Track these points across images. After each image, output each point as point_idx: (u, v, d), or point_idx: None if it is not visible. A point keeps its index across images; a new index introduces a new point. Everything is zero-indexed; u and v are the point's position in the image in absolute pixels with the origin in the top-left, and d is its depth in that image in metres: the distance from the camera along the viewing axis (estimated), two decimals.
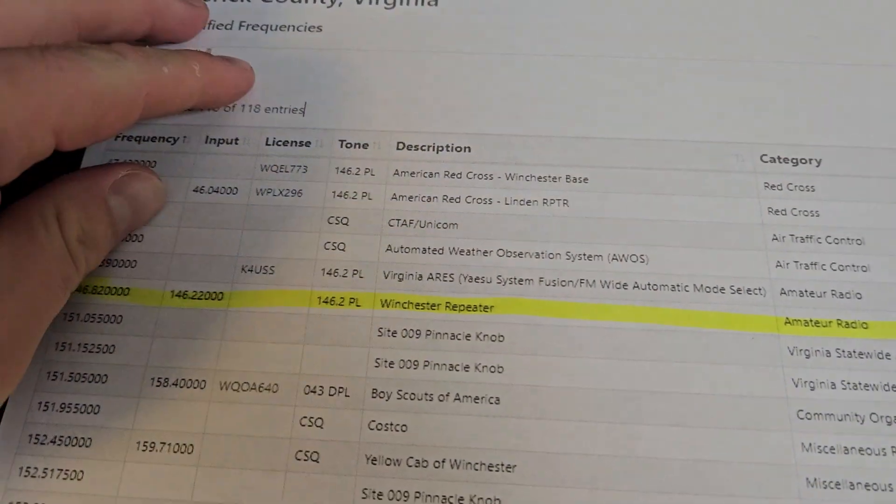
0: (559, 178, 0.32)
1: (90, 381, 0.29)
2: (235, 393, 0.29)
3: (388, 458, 0.28)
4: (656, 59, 0.34)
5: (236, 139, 0.33)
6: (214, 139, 0.33)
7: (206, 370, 0.29)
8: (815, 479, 0.27)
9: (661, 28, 0.35)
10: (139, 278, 0.31)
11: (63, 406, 0.29)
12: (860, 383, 0.28)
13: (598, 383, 0.29)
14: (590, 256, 0.31)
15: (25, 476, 0.28)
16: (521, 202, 0.32)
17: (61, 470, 0.28)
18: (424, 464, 0.27)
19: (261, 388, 0.29)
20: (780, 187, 0.31)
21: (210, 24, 0.36)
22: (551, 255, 0.31)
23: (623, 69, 0.34)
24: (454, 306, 0.30)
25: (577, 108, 0.33)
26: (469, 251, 0.31)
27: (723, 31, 0.35)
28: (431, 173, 0.32)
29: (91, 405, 0.29)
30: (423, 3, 0.36)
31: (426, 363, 0.29)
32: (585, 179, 0.32)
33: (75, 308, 0.30)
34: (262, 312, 0.30)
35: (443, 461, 0.27)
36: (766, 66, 0.34)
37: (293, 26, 0.36)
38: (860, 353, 0.28)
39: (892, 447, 0.27)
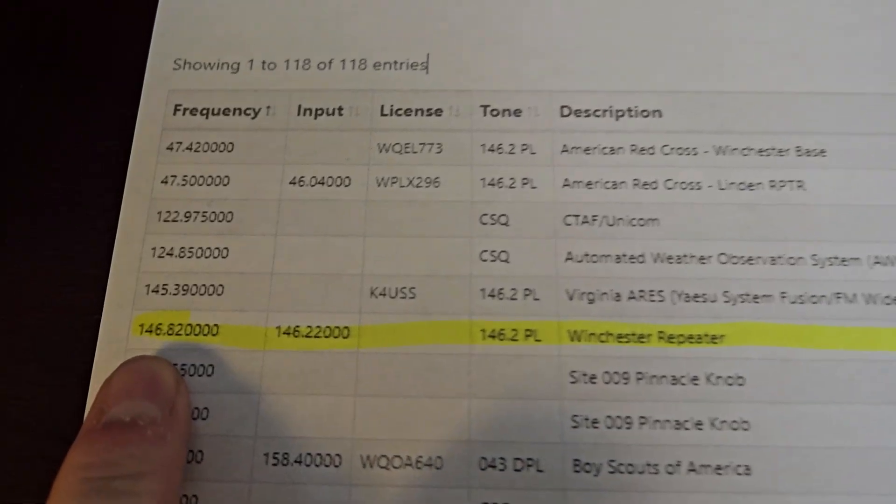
0: (787, 150, 0.23)
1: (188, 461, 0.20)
2: (384, 472, 0.20)
3: None
4: None
5: (340, 108, 0.24)
6: (310, 109, 0.24)
7: (341, 440, 0.21)
8: None
9: None
10: (230, 310, 0.22)
11: None
12: None
13: (882, 440, 0.20)
14: (844, 260, 0.22)
15: None
16: (741, 186, 0.23)
17: None
18: None
19: (419, 464, 0.20)
20: None
21: None
22: (792, 260, 0.22)
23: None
24: (670, 337, 0.21)
25: (802, 55, 0.24)
26: (679, 257, 0.22)
27: None
28: (613, 148, 0.23)
29: (185, 496, 0.20)
30: None
31: (642, 420, 0.21)
32: (822, 152, 0.23)
33: None
34: (406, 354, 0.22)
35: None
36: None
37: None
38: None
39: None
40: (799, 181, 0.23)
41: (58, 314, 0.23)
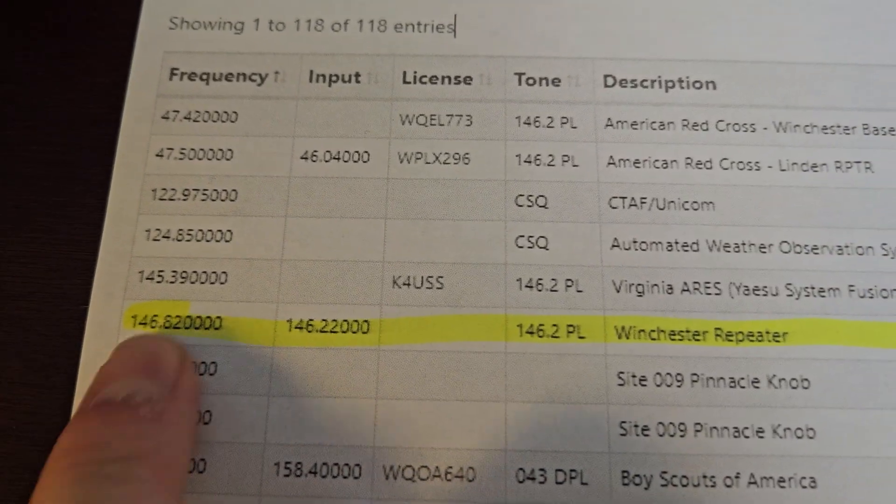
0: (854, 128, 0.21)
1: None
2: (411, 484, 0.18)
3: None
4: None
5: (357, 74, 0.21)
6: (323, 75, 0.22)
7: (360, 449, 0.18)
8: None
9: None
10: (234, 300, 0.19)
11: None
12: None
13: None
14: None
15: None
16: (804, 167, 0.20)
17: None
18: None
19: (449, 476, 0.18)
20: None
21: None
22: (861, 250, 0.20)
23: None
24: (728, 335, 0.19)
25: (872, 23, 0.22)
26: (737, 245, 0.20)
27: None
28: (662, 123, 0.21)
29: None
30: None
31: (698, 427, 0.18)
32: (893, 130, 0.21)
33: None
34: (433, 352, 0.19)
35: None
36: None
37: None
38: None
39: None
40: (867, 162, 0.21)
41: (41, 304, 0.20)
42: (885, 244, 0.21)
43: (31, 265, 0.21)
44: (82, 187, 0.21)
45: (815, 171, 0.21)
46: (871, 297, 0.20)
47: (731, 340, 0.20)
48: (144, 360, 0.18)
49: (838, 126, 0.22)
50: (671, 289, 0.20)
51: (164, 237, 0.21)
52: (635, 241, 0.21)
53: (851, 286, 0.20)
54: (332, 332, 0.20)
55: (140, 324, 0.20)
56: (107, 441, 0.16)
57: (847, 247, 0.21)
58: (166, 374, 0.18)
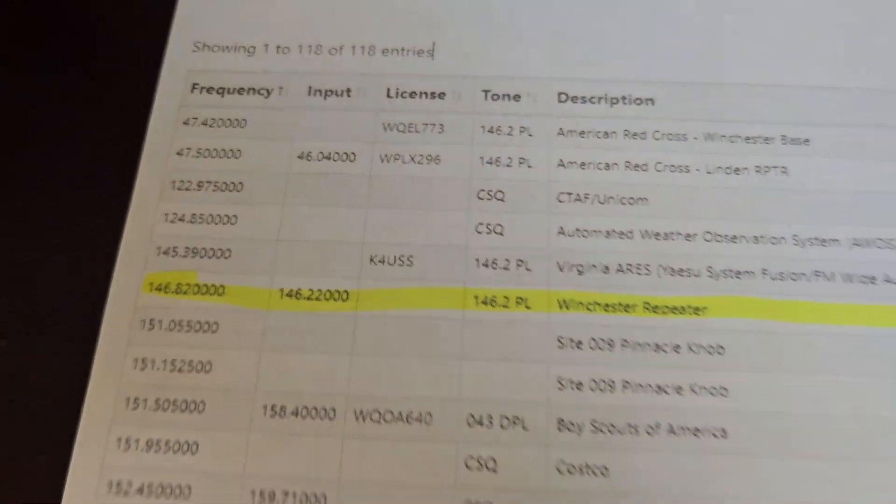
0: (773, 138, 0.24)
1: (182, 411, 0.22)
2: (377, 425, 0.21)
3: None
4: None
5: (348, 90, 0.26)
6: (320, 90, 0.26)
7: (336, 395, 0.22)
8: None
9: None
10: (236, 272, 0.23)
11: (150, 444, 0.21)
12: None
13: (855, 408, 0.21)
14: (824, 241, 0.23)
15: None
16: (727, 170, 0.24)
17: None
18: None
19: (410, 419, 0.21)
20: None
21: None
22: (774, 240, 0.23)
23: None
24: (655, 308, 0.22)
25: (790, 49, 0.26)
26: (666, 234, 0.23)
27: None
28: (607, 132, 0.25)
29: (187, 442, 0.21)
30: None
31: (625, 384, 0.22)
32: (807, 141, 0.24)
33: (154, 312, 0.23)
34: (401, 317, 0.23)
35: None
36: None
37: None
38: None
39: None
40: (783, 167, 0.25)
41: (69, 274, 0.24)
42: (795, 235, 0.24)
43: (69, 239, 0.25)
44: (113, 178, 0.25)
45: (738, 174, 0.25)
46: (782, 280, 0.24)
47: (657, 312, 0.23)
48: None
49: (759, 137, 0.25)
50: (607, 269, 0.24)
51: (179, 220, 0.25)
52: (578, 230, 0.24)
53: (765, 269, 0.24)
54: (316, 299, 0.24)
55: (156, 289, 0.24)
56: None
57: (762, 237, 0.24)
58: None
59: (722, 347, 0.22)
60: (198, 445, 0.22)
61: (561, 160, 0.25)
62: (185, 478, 0.21)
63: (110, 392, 0.22)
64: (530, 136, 0.25)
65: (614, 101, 0.25)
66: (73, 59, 0.27)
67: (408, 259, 0.24)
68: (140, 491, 0.21)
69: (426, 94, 0.26)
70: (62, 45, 0.27)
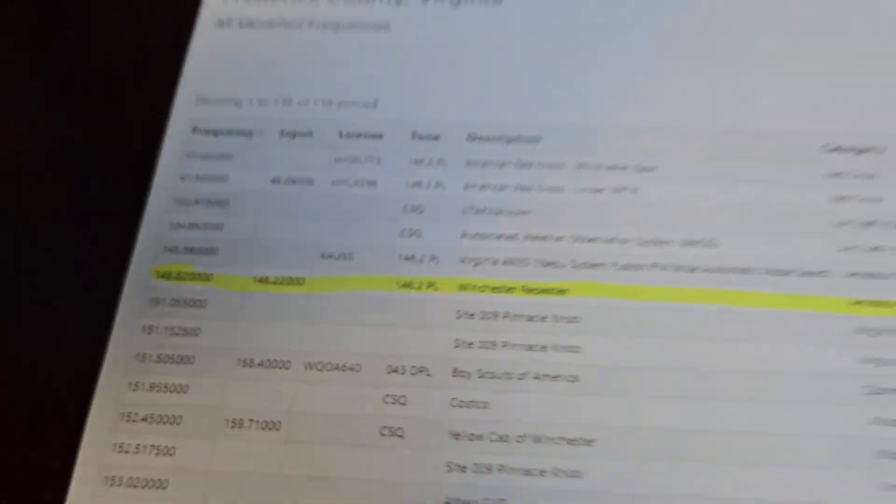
0: (628, 166, 0.33)
1: (178, 363, 0.30)
2: (320, 373, 0.29)
3: (471, 434, 0.28)
4: (721, 51, 0.35)
5: (311, 132, 0.34)
6: (289, 132, 0.34)
7: (291, 351, 0.30)
8: (884, 451, 0.27)
9: (726, 22, 0.36)
10: (222, 265, 0.32)
11: (152, 386, 0.29)
12: None
13: (674, 362, 0.29)
14: (660, 242, 0.31)
15: (119, 452, 0.28)
16: (591, 190, 0.32)
17: (154, 446, 0.28)
18: (506, 439, 0.28)
19: (344, 369, 0.29)
20: (843, 175, 0.32)
21: (281, 23, 0.37)
22: (622, 241, 0.31)
23: (690, 61, 0.35)
24: (530, 290, 0.31)
25: (645, 100, 0.34)
26: (542, 237, 0.31)
27: (785, 25, 0.36)
28: (503, 163, 0.33)
29: (180, 384, 0.29)
30: (487, 0, 0.37)
31: (504, 344, 0.30)
32: (654, 168, 0.33)
33: (160, 293, 0.31)
34: (342, 297, 0.31)
35: (524, 436, 0.28)
36: (829, 57, 0.35)
37: (361, 24, 0.37)
38: None
39: None
40: (634, 188, 0.33)
41: (100, 265, 0.33)
42: (638, 237, 0.33)
43: (98, 241, 0.34)
44: (130, 195, 0.34)
45: (599, 193, 0.34)
46: (627, 270, 0.32)
47: (531, 293, 0.32)
48: None
49: (616, 165, 0.34)
50: (496, 261, 0.32)
51: (179, 227, 0.33)
52: (477, 234, 0.33)
53: (614, 262, 0.32)
54: (279, 284, 0.32)
55: (161, 277, 0.33)
56: None
57: (614, 238, 0.32)
58: None
59: (578, 318, 0.31)
60: (188, 387, 0.30)
61: (466, 184, 0.33)
62: (177, 409, 0.30)
63: (126, 348, 0.31)
64: (445, 166, 0.34)
65: (509, 139, 0.34)
66: (96, 106, 0.36)
67: (349, 255, 0.32)
68: (146, 420, 0.29)
69: (369, 135, 0.35)
70: (90, 94, 0.37)
